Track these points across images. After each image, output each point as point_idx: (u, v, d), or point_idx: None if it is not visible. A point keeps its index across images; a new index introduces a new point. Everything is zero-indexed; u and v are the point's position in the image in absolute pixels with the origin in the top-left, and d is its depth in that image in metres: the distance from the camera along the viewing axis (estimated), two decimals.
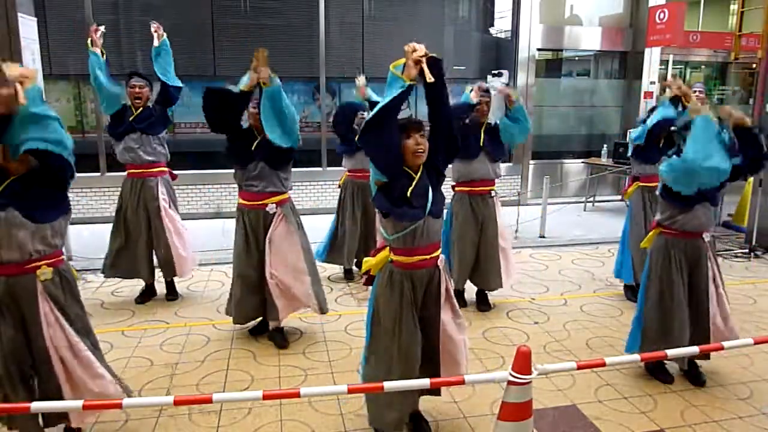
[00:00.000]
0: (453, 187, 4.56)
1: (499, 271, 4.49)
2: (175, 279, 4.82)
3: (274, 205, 3.79)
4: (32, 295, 2.45)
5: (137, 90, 4.44)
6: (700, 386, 3.39)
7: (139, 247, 4.56)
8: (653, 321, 3.36)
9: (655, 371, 3.50)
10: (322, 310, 3.92)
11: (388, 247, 2.70)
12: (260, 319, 4.02)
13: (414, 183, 2.57)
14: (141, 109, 4.46)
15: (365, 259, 2.81)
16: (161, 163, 4.59)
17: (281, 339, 3.93)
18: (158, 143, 4.56)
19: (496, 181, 4.57)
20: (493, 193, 4.51)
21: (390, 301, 2.65)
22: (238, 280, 3.87)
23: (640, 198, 4.65)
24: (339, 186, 5.40)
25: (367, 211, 5.16)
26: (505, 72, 9.09)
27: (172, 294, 4.80)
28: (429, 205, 2.57)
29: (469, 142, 4.35)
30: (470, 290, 4.85)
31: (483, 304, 4.65)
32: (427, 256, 2.65)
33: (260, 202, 3.75)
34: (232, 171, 3.84)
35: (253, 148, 3.72)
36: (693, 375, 3.46)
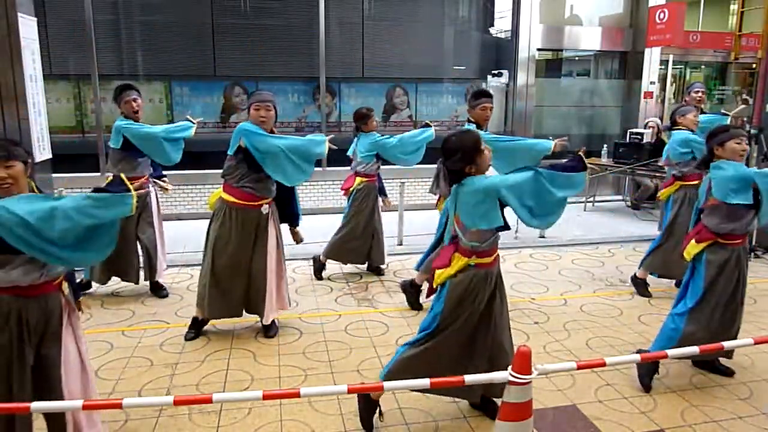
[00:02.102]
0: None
1: None
2: (168, 278, 5.02)
3: (267, 206, 3.92)
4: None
5: (136, 104, 4.52)
6: (729, 376, 3.51)
7: (129, 249, 4.70)
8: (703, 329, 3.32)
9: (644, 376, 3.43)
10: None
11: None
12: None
13: None
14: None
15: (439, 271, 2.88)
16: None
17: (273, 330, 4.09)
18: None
19: None
20: None
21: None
22: (221, 273, 3.88)
23: (683, 197, 4.79)
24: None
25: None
26: (505, 72, 9.10)
27: (162, 289, 4.91)
28: None
29: None
30: None
31: None
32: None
33: (255, 203, 3.85)
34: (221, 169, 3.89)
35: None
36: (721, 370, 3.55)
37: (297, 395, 2.20)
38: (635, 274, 5.04)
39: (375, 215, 5.24)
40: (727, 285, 3.37)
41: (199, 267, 4.05)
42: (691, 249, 3.44)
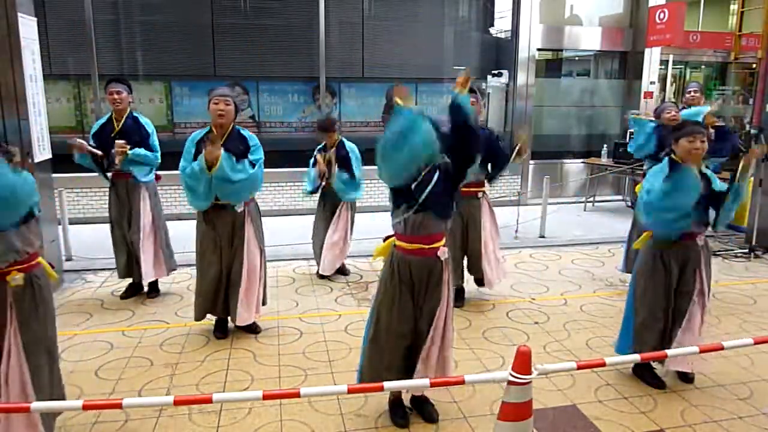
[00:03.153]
0: None
1: (481, 270, 4.60)
2: (168, 278, 5.00)
3: (242, 204, 3.87)
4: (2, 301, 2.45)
5: (114, 96, 4.47)
6: (689, 383, 3.42)
7: (119, 250, 4.74)
8: (643, 321, 3.36)
9: (645, 375, 3.46)
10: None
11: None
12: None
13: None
14: (123, 120, 4.56)
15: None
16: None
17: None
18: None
19: (497, 181, 4.60)
20: (480, 195, 4.56)
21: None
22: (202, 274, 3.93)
23: None
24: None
25: None
26: (505, 72, 9.10)
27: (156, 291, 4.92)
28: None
29: None
30: (470, 289, 4.86)
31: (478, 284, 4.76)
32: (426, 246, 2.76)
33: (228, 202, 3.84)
34: None
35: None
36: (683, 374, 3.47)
37: (297, 395, 2.20)
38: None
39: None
40: (659, 278, 3.31)
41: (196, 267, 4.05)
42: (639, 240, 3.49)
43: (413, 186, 2.67)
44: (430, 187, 2.68)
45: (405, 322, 2.82)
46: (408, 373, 2.85)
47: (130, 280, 4.85)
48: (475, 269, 4.67)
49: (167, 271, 4.84)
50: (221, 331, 4.06)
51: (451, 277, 2.93)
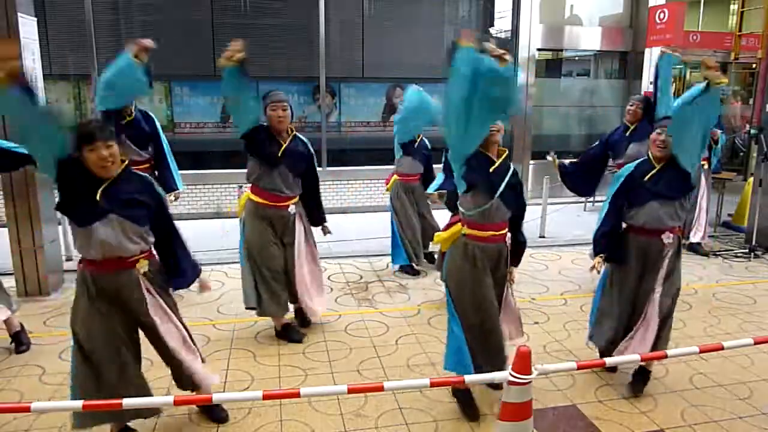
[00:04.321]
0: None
1: None
2: None
3: (294, 206, 3.93)
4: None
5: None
6: (638, 392, 3.28)
7: None
8: (601, 310, 3.41)
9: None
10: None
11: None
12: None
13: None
14: (129, 110, 4.54)
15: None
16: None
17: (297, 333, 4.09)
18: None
19: None
20: None
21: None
22: (268, 273, 3.88)
23: None
24: (388, 190, 5.49)
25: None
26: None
27: None
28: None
29: None
30: None
31: None
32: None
33: (283, 204, 3.85)
34: (233, 170, 3.86)
35: (279, 155, 3.74)
36: (637, 380, 3.34)
37: (297, 395, 2.20)
38: None
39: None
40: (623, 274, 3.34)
41: (202, 267, 4.04)
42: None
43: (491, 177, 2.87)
44: (506, 179, 2.89)
45: (491, 305, 3.00)
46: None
47: None
48: None
49: None
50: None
51: None
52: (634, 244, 3.27)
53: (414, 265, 5.39)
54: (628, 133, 4.93)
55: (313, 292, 4.08)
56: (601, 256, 3.33)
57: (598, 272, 3.32)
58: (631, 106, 4.92)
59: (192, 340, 2.89)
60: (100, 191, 2.49)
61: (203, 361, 2.95)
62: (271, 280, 3.87)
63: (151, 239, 2.68)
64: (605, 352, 3.36)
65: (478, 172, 2.86)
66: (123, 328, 2.66)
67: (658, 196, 3.15)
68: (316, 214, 4.13)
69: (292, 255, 3.94)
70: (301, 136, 3.92)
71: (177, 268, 2.84)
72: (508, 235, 3.07)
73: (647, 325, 3.21)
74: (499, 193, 2.86)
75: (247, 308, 3.97)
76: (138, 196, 2.58)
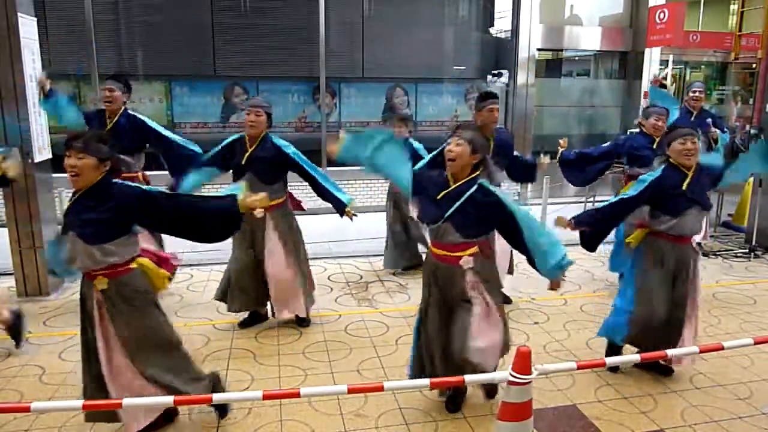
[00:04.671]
0: None
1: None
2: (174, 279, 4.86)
3: (262, 210, 3.83)
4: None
5: (107, 93, 4.34)
6: (668, 375, 3.47)
7: None
8: (640, 314, 3.38)
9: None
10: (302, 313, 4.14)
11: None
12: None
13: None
14: (116, 119, 4.40)
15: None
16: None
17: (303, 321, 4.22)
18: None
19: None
20: None
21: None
22: (234, 275, 4.05)
23: None
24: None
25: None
26: (505, 72, 9.10)
27: None
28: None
29: None
30: None
31: None
32: None
33: None
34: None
35: (243, 162, 3.87)
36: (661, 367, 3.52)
37: (297, 395, 2.20)
38: None
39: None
40: (660, 278, 3.36)
41: (200, 267, 4.06)
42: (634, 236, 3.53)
43: None
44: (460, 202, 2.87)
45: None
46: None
47: None
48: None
49: None
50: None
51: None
52: (672, 251, 3.32)
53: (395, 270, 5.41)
54: (654, 146, 4.82)
55: (286, 297, 4.07)
56: (575, 227, 3.57)
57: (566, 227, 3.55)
58: (657, 120, 4.77)
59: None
60: (66, 208, 2.56)
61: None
62: (236, 280, 4.01)
63: (112, 258, 2.56)
64: (636, 342, 3.40)
65: (425, 194, 2.94)
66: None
67: (696, 204, 3.25)
68: (334, 204, 4.14)
69: (263, 260, 3.99)
70: (274, 139, 3.95)
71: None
72: (468, 259, 2.90)
73: (690, 326, 3.37)
74: (446, 217, 2.84)
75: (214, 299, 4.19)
76: (96, 214, 2.49)
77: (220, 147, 4.03)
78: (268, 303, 4.19)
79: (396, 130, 5.10)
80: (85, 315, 2.66)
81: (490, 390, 3.14)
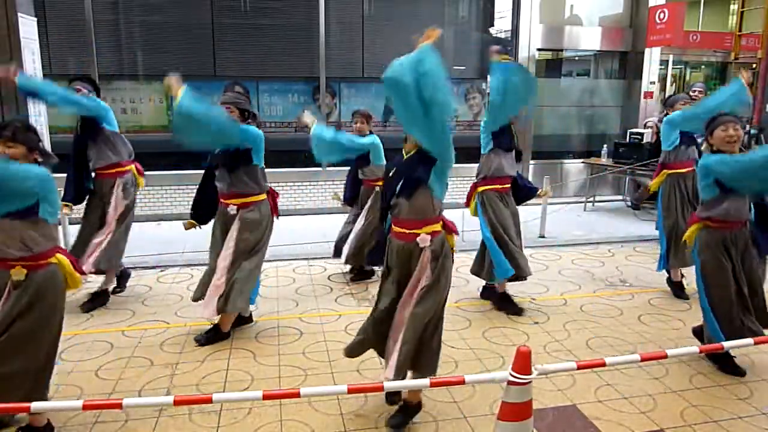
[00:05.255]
0: (476, 185, 4.49)
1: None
2: (169, 278, 4.92)
3: (235, 207, 3.90)
4: None
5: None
6: (741, 376, 3.51)
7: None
8: (725, 310, 3.41)
9: (723, 364, 3.56)
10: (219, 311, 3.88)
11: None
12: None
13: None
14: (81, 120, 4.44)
15: None
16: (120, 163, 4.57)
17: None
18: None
19: None
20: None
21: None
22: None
23: (672, 186, 4.84)
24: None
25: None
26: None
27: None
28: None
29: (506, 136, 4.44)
30: (470, 289, 4.85)
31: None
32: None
33: (225, 201, 3.93)
34: None
35: (215, 152, 3.90)
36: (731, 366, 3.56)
37: (297, 395, 2.20)
38: (669, 277, 5.03)
39: None
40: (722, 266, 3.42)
41: (200, 267, 4.06)
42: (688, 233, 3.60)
43: None
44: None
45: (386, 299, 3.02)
46: None
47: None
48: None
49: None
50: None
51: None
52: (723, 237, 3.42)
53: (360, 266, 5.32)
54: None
55: (211, 294, 3.90)
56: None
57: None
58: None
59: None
60: None
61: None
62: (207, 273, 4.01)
63: (37, 247, 2.60)
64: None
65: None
66: None
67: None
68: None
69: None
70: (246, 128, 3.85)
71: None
72: (425, 237, 2.87)
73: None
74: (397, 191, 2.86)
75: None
76: None
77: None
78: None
79: (357, 126, 5.05)
80: None
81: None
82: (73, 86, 4.37)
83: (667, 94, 10.49)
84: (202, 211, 4.10)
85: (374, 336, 3.06)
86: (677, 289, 4.92)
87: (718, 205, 3.35)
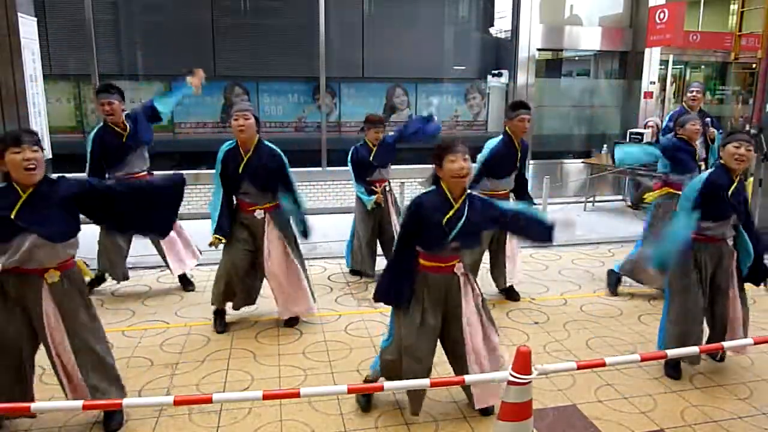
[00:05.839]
0: None
1: (503, 270, 4.70)
2: (169, 278, 5.03)
3: (262, 211, 3.99)
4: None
5: (107, 107, 4.46)
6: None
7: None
8: (676, 319, 3.42)
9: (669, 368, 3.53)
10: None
11: None
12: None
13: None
14: (121, 124, 4.55)
15: None
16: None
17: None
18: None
19: None
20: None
21: None
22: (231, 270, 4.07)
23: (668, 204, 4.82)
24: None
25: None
26: (505, 72, 9.10)
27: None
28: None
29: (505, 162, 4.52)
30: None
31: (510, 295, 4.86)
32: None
33: (251, 209, 3.99)
34: None
35: (240, 171, 3.89)
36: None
37: (297, 395, 2.20)
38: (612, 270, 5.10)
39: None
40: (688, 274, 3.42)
41: (200, 267, 4.06)
42: None
43: None
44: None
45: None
46: None
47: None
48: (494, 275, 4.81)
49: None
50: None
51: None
52: (708, 250, 3.40)
53: (361, 271, 5.36)
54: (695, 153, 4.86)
55: (292, 296, 4.13)
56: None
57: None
58: (693, 125, 4.76)
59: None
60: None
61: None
62: (240, 280, 4.07)
63: (66, 253, 2.67)
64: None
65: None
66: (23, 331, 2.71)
67: (735, 211, 3.29)
68: (298, 227, 4.13)
69: (262, 261, 4.05)
70: (268, 145, 3.96)
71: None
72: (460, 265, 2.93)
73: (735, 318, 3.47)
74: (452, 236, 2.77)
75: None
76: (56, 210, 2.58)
77: (220, 167, 3.98)
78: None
79: (374, 136, 5.04)
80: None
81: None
82: (102, 99, 4.46)
83: (667, 94, 10.50)
84: (225, 224, 4.01)
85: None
86: (613, 285, 5.01)
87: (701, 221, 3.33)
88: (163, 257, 4.85)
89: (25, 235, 2.48)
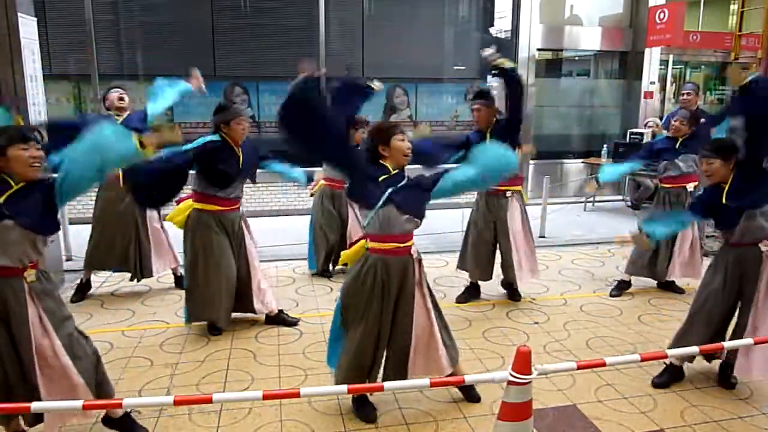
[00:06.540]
0: None
1: (512, 267, 4.57)
2: (169, 278, 4.99)
3: (239, 206, 4.10)
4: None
5: (123, 95, 4.63)
6: (730, 389, 3.36)
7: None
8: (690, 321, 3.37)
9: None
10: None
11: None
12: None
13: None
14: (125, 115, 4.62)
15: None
16: None
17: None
18: None
19: None
20: (508, 194, 4.52)
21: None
22: (225, 281, 3.95)
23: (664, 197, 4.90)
24: (312, 194, 5.42)
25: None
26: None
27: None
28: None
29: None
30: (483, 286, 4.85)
31: (512, 295, 4.83)
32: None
33: (235, 207, 4.01)
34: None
35: (240, 166, 3.92)
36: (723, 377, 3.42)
37: (297, 395, 2.20)
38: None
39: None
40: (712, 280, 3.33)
41: None
42: None
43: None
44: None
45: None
46: None
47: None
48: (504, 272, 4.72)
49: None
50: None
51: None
52: (732, 255, 3.24)
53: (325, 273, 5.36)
54: (677, 146, 4.83)
55: (263, 290, 4.17)
56: None
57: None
58: (675, 121, 4.80)
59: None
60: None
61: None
62: (227, 292, 4.01)
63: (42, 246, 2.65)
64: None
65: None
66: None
67: (742, 208, 3.11)
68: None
69: (246, 263, 4.07)
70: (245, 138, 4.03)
71: None
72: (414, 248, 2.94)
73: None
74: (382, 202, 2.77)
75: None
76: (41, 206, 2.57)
77: (195, 151, 3.71)
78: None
79: (358, 137, 4.95)
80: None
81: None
82: (118, 92, 4.61)
83: (667, 94, 10.50)
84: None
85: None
86: (619, 289, 5.02)
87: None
88: (147, 259, 4.74)
89: (6, 224, 2.46)
